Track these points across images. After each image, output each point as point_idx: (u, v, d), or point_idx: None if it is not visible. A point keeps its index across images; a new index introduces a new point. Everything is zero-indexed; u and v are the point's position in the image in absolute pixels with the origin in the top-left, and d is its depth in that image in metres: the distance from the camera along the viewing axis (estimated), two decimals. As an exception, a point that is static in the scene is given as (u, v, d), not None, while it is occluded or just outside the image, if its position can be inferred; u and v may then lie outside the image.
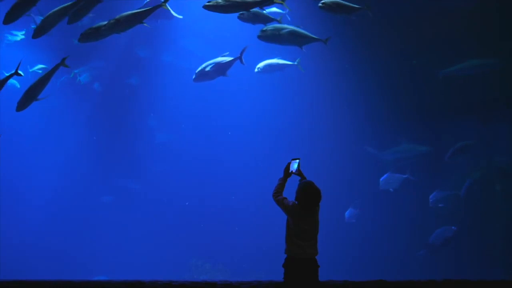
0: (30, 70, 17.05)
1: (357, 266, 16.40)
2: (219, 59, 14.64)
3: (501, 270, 15.28)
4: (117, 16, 11.16)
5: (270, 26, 12.90)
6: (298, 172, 6.02)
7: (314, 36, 12.92)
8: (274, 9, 14.26)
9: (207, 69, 14.63)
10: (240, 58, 14.25)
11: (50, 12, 11.17)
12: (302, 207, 5.75)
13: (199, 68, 14.78)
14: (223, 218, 18.55)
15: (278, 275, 6.12)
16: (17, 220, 19.00)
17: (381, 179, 16.31)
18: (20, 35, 17.43)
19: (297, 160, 6.06)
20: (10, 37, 17.45)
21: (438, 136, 16.82)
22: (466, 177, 16.25)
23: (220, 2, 11.16)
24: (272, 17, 12.97)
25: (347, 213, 16.56)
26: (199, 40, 18.66)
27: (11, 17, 10.89)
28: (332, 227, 16.42)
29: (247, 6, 11.47)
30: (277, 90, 18.74)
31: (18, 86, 17.20)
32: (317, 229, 5.81)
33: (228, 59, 14.44)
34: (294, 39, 12.85)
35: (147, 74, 19.47)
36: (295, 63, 15.20)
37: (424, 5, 15.79)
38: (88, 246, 18.91)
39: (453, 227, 15.57)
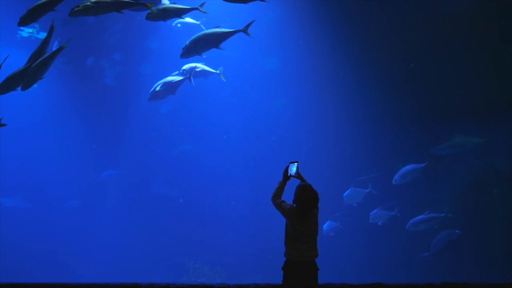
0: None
1: (356, 269, 16.38)
2: (169, 78, 14.65)
3: (499, 272, 15.27)
4: (37, 62, 11.20)
5: (188, 42, 12.42)
6: (297, 175, 5.98)
7: (232, 30, 12.33)
8: (187, 19, 13.84)
9: (157, 89, 14.66)
10: (189, 78, 14.26)
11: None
12: (300, 210, 5.72)
13: (152, 89, 14.80)
14: (221, 220, 18.52)
15: (276, 278, 6.09)
16: (15, 222, 18.98)
17: (344, 195, 16.24)
18: (26, 32, 17.50)
19: (296, 163, 6.02)
20: (21, 33, 17.65)
21: (438, 138, 16.78)
22: (463, 181, 16.14)
23: (89, 4, 10.83)
24: (188, 7, 12.09)
25: (325, 226, 16.26)
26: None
27: (26, 21, 11.02)
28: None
29: (117, 7, 11.05)
30: (277, 93, 18.72)
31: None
32: (316, 231, 5.78)
33: (177, 78, 14.42)
34: (212, 42, 12.32)
35: (157, 65, 19.29)
36: (218, 71, 14.90)
37: (424, 8, 15.80)
38: (87, 249, 18.86)
39: (457, 231, 15.47)
